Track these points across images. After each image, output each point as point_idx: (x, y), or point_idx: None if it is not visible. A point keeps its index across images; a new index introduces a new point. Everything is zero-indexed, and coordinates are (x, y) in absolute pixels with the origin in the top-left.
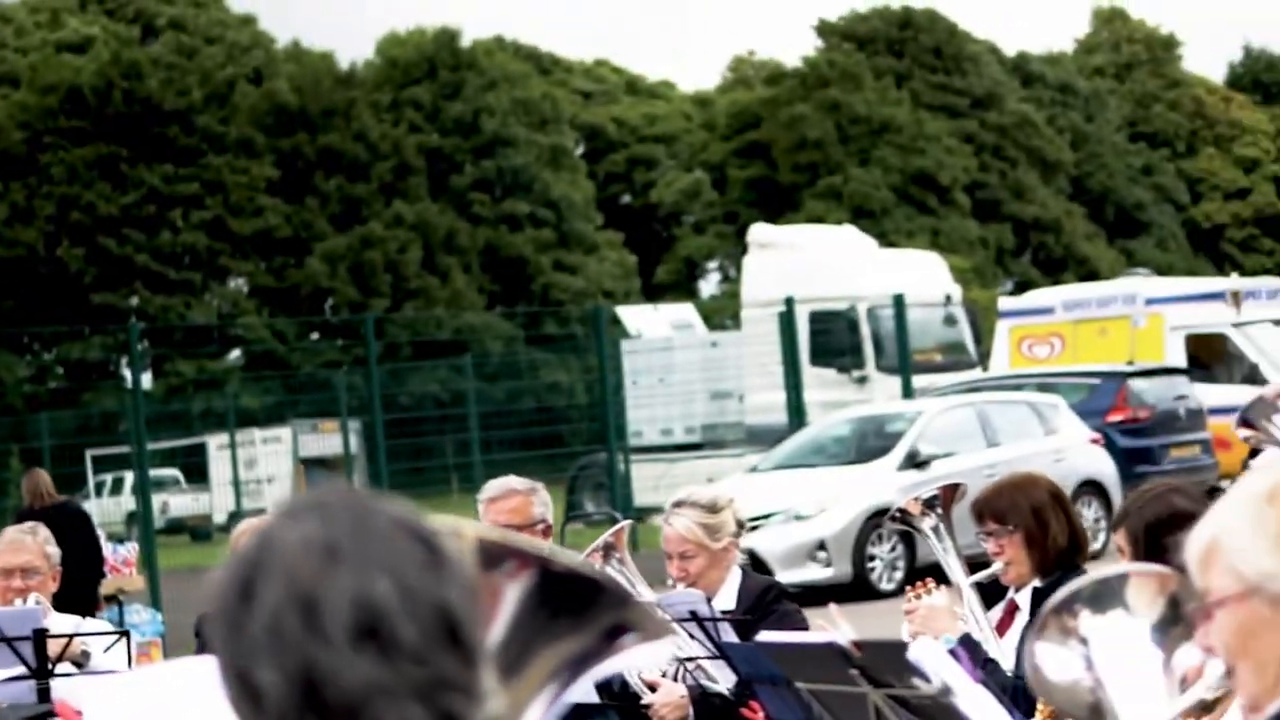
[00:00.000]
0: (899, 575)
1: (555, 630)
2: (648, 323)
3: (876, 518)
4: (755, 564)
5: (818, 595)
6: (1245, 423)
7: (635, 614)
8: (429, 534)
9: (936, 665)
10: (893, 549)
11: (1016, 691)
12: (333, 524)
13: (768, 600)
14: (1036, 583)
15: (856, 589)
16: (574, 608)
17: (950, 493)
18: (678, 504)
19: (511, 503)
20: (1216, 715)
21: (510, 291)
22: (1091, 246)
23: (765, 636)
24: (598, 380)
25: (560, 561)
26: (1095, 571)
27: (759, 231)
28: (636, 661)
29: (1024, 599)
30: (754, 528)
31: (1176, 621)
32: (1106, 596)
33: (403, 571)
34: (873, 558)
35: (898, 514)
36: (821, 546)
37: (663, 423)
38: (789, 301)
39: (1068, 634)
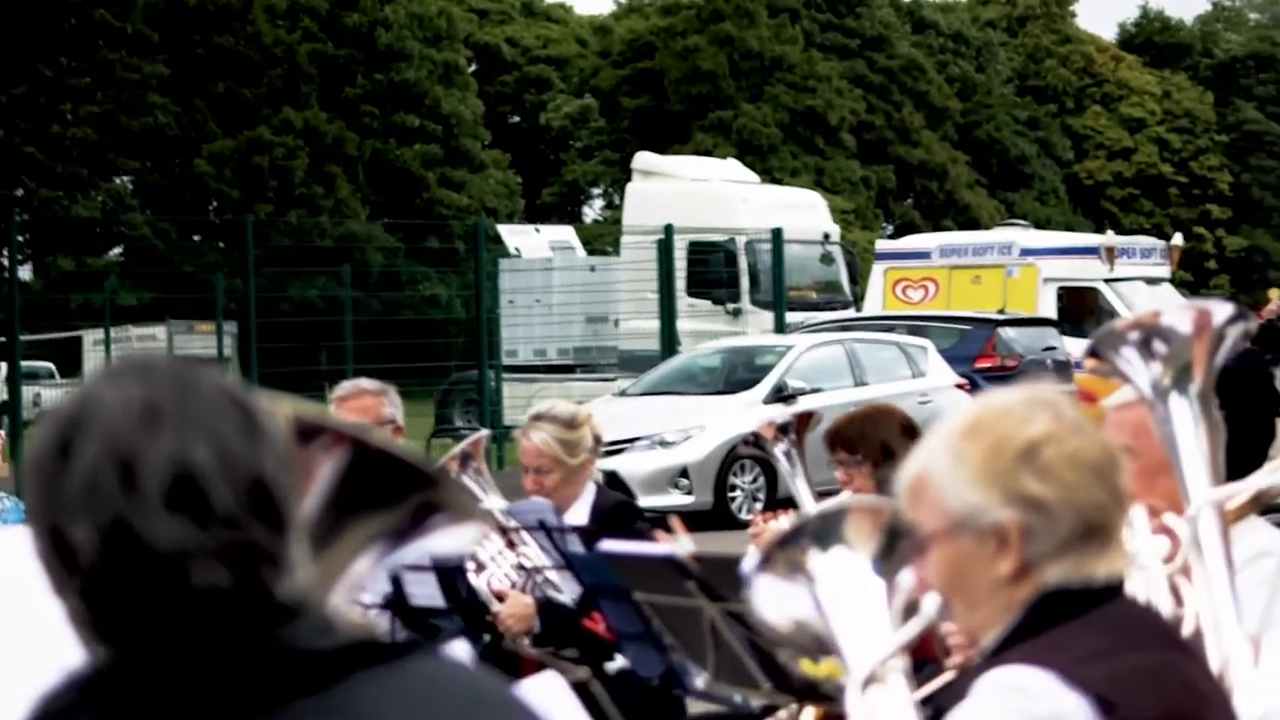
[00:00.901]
0: (759, 506)
1: (366, 507)
2: (528, 243)
3: (740, 448)
4: (617, 488)
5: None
6: (1093, 354)
7: (446, 495)
8: (249, 404)
9: None
10: (754, 480)
11: None
12: (155, 387)
13: (619, 518)
14: None
15: (717, 517)
16: (385, 486)
17: (805, 420)
18: (536, 417)
19: (362, 402)
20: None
21: (395, 204)
22: (973, 195)
23: (607, 546)
24: (475, 297)
25: (373, 441)
26: (818, 507)
27: (644, 159)
28: (446, 543)
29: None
30: (618, 451)
31: (894, 550)
32: (829, 533)
33: (222, 438)
34: (734, 488)
35: (752, 438)
36: (684, 474)
37: (537, 343)
38: (668, 230)
39: (794, 570)
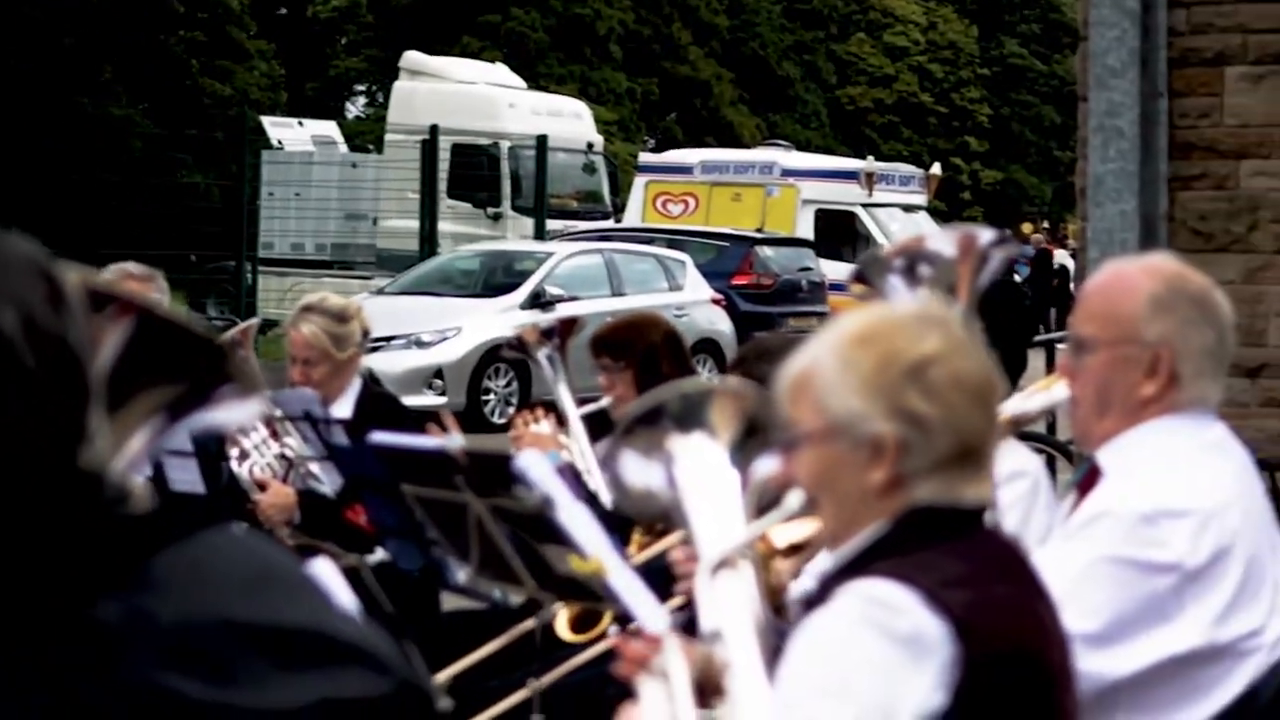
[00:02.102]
0: (512, 410)
1: (153, 377)
2: (290, 136)
3: (495, 351)
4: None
5: (428, 421)
6: (860, 279)
7: (232, 368)
8: (54, 273)
9: (541, 478)
10: (508, 384)
11: (612, 521)
12: None
13: (385, 413)
14: None
15: (470, 419)
16: (173, 356)
17: (569, 326)
18: (307, 309)
19: (129, 287)
20: (804, 556)
21: (156, 90)
22: (736, 113)
23: (377, 438)
24: (234, 187)
25: (161, 311)
26: (680, 385)
27: (412, 59)
28: (230, 416)
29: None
30: (374, 350)
31: (753, 436)
32: (691, 415)
33: (29, 305)
34: (488, 390)
35: (515, 341)
36: (438, 374)
37: (294, 237)
38: (434, 131)
39: (652, 447)
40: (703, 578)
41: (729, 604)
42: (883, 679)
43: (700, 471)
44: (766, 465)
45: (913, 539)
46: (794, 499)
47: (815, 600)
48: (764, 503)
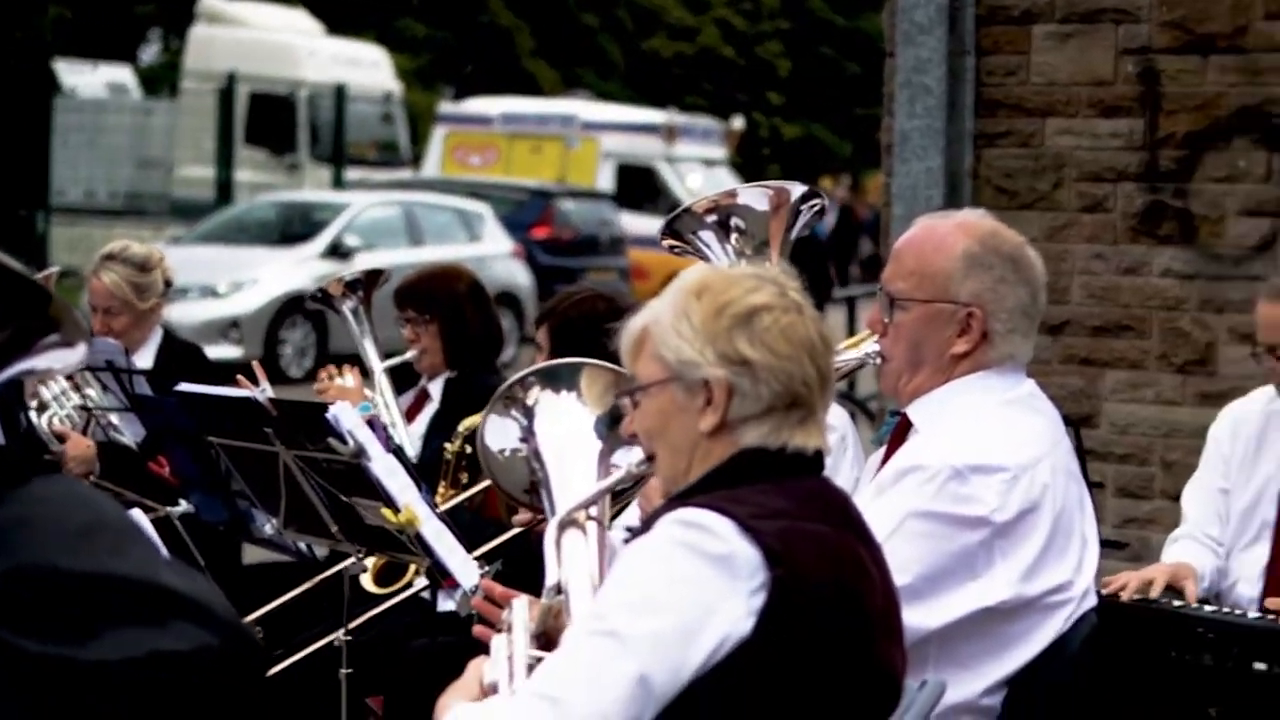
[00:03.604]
0: (308, 363)
1: None
2: (83, 82)
3: (293, 303)
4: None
5: (228, 372)
6: (671, 233)
7: (56, 315)
8: None
9: (354, 428)
10: (305, 335)
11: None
12: None
13: (187, 363)
14: (449, 373)
15: (266, 371)
16: None
17: (373, 278)
18: (109, 257)
19: None
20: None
21: None
22: (536, 65)
23: (184, 387)
24: (26, 134)
25: None
26: (553, 363)
27: (209, 4)
28: (53, 363)
29: (436, 388)
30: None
31: (617, 423)
32: (563, 378)
33: None
34: (284, 341)
35: (319, 294)
36: (234, 325)
37: (86, 184)
38: (231, 79)
39: (515, 403)
40: (551, 533)
41: (573, 562)
42: (691, 596)
43: (561, 429)
44: (629, 455)
45: (737, 477)
46: (635, 457)
47: (639, 534)
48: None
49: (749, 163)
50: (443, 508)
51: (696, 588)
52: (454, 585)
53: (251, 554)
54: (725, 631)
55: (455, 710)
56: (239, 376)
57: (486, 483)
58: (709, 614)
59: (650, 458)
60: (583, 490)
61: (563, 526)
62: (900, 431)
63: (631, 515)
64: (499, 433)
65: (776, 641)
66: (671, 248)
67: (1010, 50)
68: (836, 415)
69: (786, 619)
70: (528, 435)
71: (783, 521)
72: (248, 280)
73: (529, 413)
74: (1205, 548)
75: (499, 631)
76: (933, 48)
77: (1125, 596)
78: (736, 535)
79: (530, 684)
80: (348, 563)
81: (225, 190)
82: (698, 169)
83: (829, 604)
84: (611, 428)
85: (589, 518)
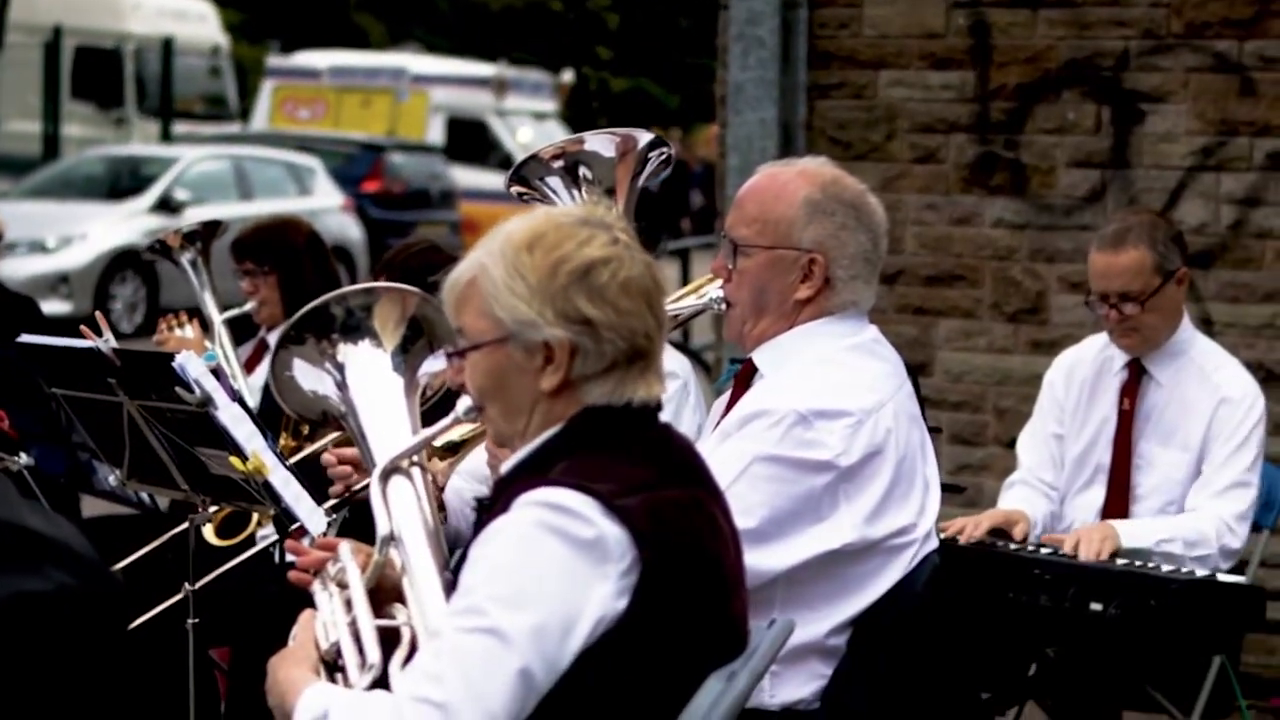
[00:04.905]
0: (139, 318)
1: None
2: None
3: (123, 258)
4: None
5: (59, 327)
6: (519, 180)
7: None
8: None
9: (199, 377)
10: (135, 291)
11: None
12: None
13: (20, 315)
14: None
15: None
16: None
17: (211, 230)
18: None
19: None
20: (460, 456)
21: None
22: (364, 18)
23: (26, 339)
24: None
25: None
26: (344, 292)
27: None
28: None
29: (274, 339)
30: None
31: (418, 339)
32: (356, 323)
33: None
34: (114, 297)
35: (157, 244)
36: (64, 280)
37: None
38: (57, 32)
39: (323, 356)
40: (375, 484)
41: (401, 510)
42: (567, 585)
43: (368, 379)
44: (430, 367)
45: (587, 441)
46: (462, 405)
47: (492, 504)
48: (427, 403)
49: (579, 116)
50: (293, 460)
51: (570, 576)
52: (302, 533)
53: (90, 507)
54: (599, 614)
55: (322, 699)
56: (82, 327)
57: (332, 435)
58: (584, 601)
59: (480, 408)
60: (402, 440)
61: (386, 476)
62: (744, 377)
63: (473, 462)
64: (312, 377)
65: (646, 615)
66: (520, 194)
67: (843, 3)
68: (678, 362)
69: (655, 593)
70: (341, 387)
71: (643, 494)
72: (77, 235)
73: (340, 367)
74: (1039, 492)
75: (315, 577)
76: (766, 0)
77: (963, 540)
78: (602, 516)
79: (409, 685)
80: (195, 516)
81: (52, 145)
82: (528, 122)
83: (693, 572)
84: (407, 352)
85: (411, 463)
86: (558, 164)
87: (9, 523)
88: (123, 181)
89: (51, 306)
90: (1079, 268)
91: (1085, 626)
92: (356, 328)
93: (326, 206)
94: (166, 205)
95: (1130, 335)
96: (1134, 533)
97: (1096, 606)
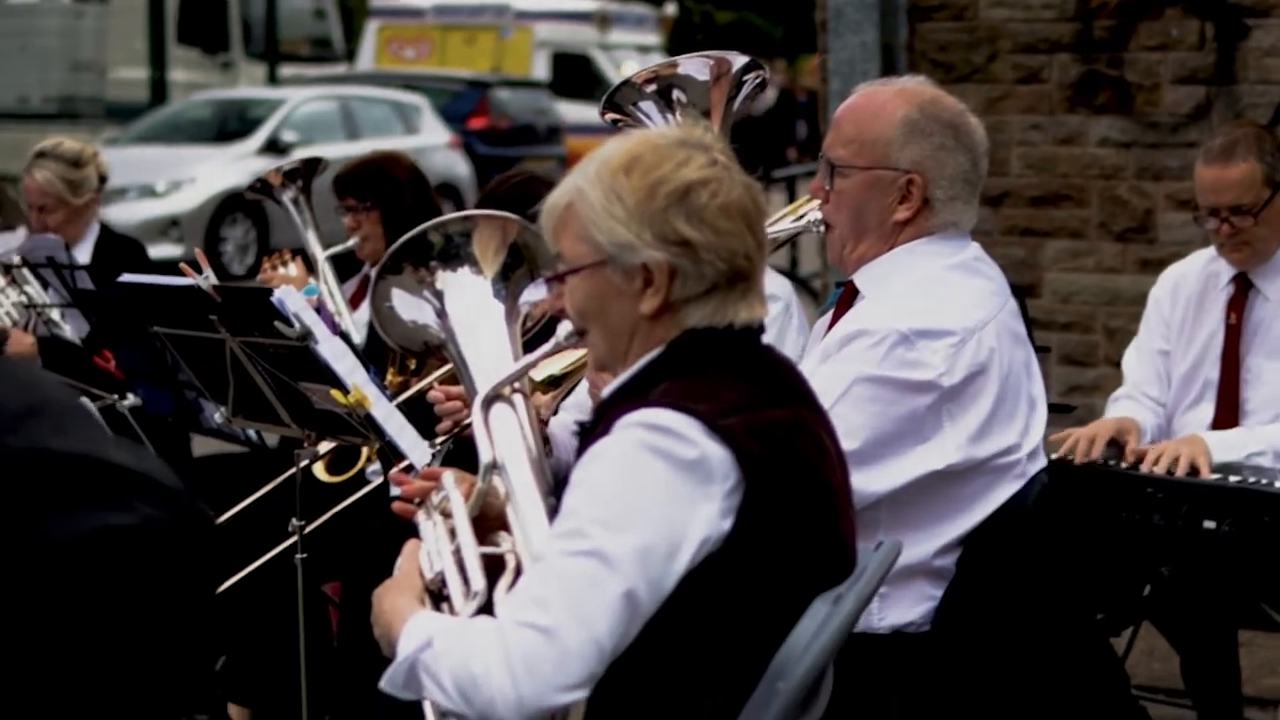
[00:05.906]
0: (250, 260)
1: None
2: None
3: (232, 200)
4: None
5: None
6: (612, 106)
7: None
8: None
9: (299, 311)
10: (245, 233)
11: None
12: None
13: (126, 256)
14: None
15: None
16: None
17: (312, 167)
18: (41, 154)
19: None
20: (564, 389)
21: None
22: None
23: (127, 278)
24: None
25: None
26: (442, 220)
27: None
28: None
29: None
30: (107, 201)
31: (519, 266)
32: (455, 250)
33: None
34: (225, 239)
35: (259, 184)
36: (174, 223)
37: (19, 90)
38: None
39: (422, 284)
40: (477, 412)
41: (504, 437)
42: (670, 506)
43: (468, 307)
44: (531, 295)
45: (688, 363)
46: (562, 331)
47: (593, 428)
48: (529, 332)
49: (682, 49)
50: (400, 397)
51: (673, 497)
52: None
53: (200, 446)
54: (705, 535)
55: (425, 627)
56: (183, 265)
57: (439, 371)
58: (688, 522)
59: (581, 333)
60: (504, 367)
61: (488, 404)
62: (846, 298)
63: (579, 396)
64: (411, 307)
65: (751, 537)
66: (614, 121)
67: None
68: (780, 285)
69: (760, 514)
70: (441, 315)
71: (745, 414)
72: (186, 179)
73: (439, 295)
74: (1145, 407)
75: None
76: None
77: (1077, 458)
78: (704, 437)
79: (513, 610)
80: (301, 452)
81: (160, 91)
82: (632, 56)
83: (798, 492)
84: (508, 279)
85: (514, 390)
86: (651, 88)
87: (93, 457)
88: (230, 125)
89: (162, 250)
90: (1186, 185)
91: (1199, 545)
92: (455, 255)
93: (433, 144)
94: (274, 147)
95: (1241, 249)
96: (1225, 444)
97: (1210, 524)
